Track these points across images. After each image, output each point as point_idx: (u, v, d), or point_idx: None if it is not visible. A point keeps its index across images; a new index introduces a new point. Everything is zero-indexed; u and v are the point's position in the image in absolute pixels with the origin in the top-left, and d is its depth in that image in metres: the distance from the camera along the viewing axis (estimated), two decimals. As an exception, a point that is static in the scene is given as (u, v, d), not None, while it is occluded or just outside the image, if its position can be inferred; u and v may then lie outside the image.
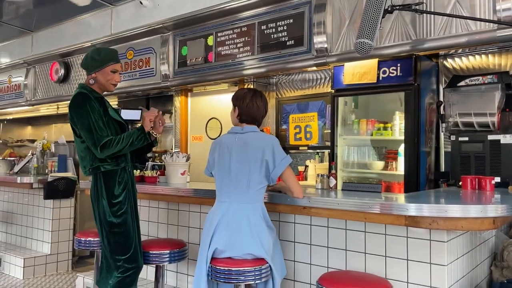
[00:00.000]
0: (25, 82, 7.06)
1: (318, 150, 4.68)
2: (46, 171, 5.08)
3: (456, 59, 3.73)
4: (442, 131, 3.75)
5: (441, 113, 3.60)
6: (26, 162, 5.28)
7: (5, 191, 5.36)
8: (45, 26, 6.48)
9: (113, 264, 2.67)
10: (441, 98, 3.73)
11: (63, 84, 6.45)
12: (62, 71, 6.36)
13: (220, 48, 4.69)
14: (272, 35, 4.27)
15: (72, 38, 6.10)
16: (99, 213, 2.66)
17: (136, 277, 2.77)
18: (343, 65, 3.87)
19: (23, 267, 4.48)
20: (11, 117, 8.66)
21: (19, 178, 4.76)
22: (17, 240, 5.11)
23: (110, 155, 2.59)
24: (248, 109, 2.56)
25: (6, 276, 4.59)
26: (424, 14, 3.30)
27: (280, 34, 4.20)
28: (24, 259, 4.50)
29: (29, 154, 5.43)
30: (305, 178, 4.60)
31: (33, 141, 8.23)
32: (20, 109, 7.67)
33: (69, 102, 2.71)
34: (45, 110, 7.49)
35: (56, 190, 4.49)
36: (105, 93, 2.84)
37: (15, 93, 7.33)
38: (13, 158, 6.03)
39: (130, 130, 2.69)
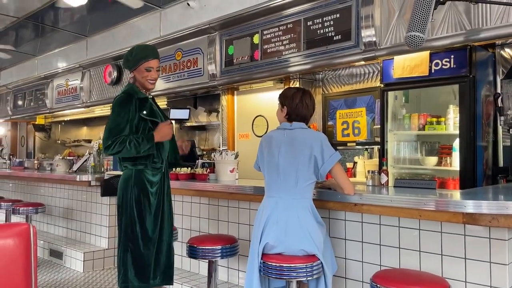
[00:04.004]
0: (81, 85, 7.42)
1: (367, 146, 4.60)
2: (103, 170, 5.33)
3: (515, 48, 3.54)
4: (500, 125, 3.57)
5: (499, 105, 3.44)
6: (84, 161, 5.56)
7: (65, 188, 5.67)
8: (98, 31, 6.77)
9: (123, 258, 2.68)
10: (499, 90, 3.55)
11: (116, 86, 6.73)
12: (115, 74, 6.63)
13: (266, 46, 4.71)
14: (318, 31, 4.24)
15: (124, 41, 6.34)
16: (122, 205, 2.69)
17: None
18: (393, 58, 3.78)
19: (83, 261, 4.72)
20: (68, 118, 9.14)
21: (78, 176, 5.00)
22: (77, 235, 5.40)
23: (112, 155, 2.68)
24: (298, 109, 2.58)
25: (67, 269, 4.86)
26: (479, 4, 3.15)
27: (327, 29, 4.16)
28: (84, 253, 4.74)
29: (86, 154, 5.71)
30: (354, 175, 4.54)
31: (89, 141, 8.66)
32: (76, 110, 8.05)
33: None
34: (99, 111, 7.84)
35: (112, 187, 4.68)
36: (154, 93, 2.90)
37: (72, 96, 7.72)
38: (71, 158, 6.38)
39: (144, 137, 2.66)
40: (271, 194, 2.56)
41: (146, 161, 2.71)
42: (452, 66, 3.47)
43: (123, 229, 2.69)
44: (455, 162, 3.63)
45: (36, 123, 9.43)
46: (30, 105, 8.92)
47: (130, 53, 2.82)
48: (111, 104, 7.61)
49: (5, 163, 7.90)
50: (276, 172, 2.53)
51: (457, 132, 3.51)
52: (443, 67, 3.51)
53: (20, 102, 9.25)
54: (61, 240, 5.42)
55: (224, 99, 5.57)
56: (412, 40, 2.65)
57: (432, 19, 2.65)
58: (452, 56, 3.47)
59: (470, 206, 2.10)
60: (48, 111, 8.51)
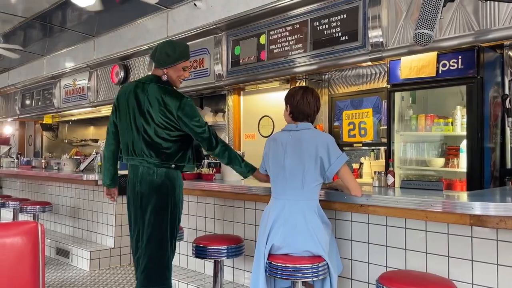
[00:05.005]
0: (88, 85, 7.46)
1: (373, 147, 4.58)
2: (109, 169, 5.33)
3: (523, 49, 3.51)
4: (508, 126, 3.54)
5: (507, 106, 3.41)
6: (91, 161, 5.59)
7: (72, 187, 5.70)
8: (105, 31, 6.80)
9: (170, 256, 2.74)
10: (507, 91, 3.53)
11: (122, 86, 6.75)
12: (122, 74, 6.65)
13: (272, 46, 4.71)
14: (325, 31, 4.23)
15: (131, 41, 6.36)
16: (170, 205, 2.68)
17: None
18: (400, 59, 3.77)
19: (90, 259, 4.75)
20: (75, 118, 9.19)
21: (84, 175, 5.02)
22: (84, 234, 5.43)
23: (214, 147, 2.75)
24: (299, 106, 2.58)
25: (74, 268, 4.89)
26: (488, 4, 3.13)
27: (333, 30, 4.15)
28: (90, 252, 4.77)
29: (93, 153, 5.74)
30: (360, 176, 4.53)
31: (95, 140, 8.70)
32: (83, 110, 8.10)
33: (180, 103, 2.65)
34: (106, 111, 7.87)
35: (119, 186, 4.69)
36: None
37: (79, 95, 7.77)
38: (79, 157, 6.41)
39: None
40: (278, 196, 2.56)
41: (184, 162, 2.77)
42: (459, 67, 3.45)
43: (170, 229, 2.69)
44: (462, 163, 3.61)
45: (44, 122, 9.51)
46: (38, 104, 8.99)
47: (173, 49, 2.70)
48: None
49: (13, 162, 7.96)
50: (282, 174, 2.53)
51: (465, 133, 3.49)
52: (451, 68, 3.49)
53: (28, 102, 9.32)
54: (68, 239, 5.46)
55: (230, 99, 5.57)
56: (420, 37, 2.63)
57: (441, 16, 2.63)
58: (460, 57, 3.45)
59: (478, 208, 2.08)
60: (55, 111, 8.56)
